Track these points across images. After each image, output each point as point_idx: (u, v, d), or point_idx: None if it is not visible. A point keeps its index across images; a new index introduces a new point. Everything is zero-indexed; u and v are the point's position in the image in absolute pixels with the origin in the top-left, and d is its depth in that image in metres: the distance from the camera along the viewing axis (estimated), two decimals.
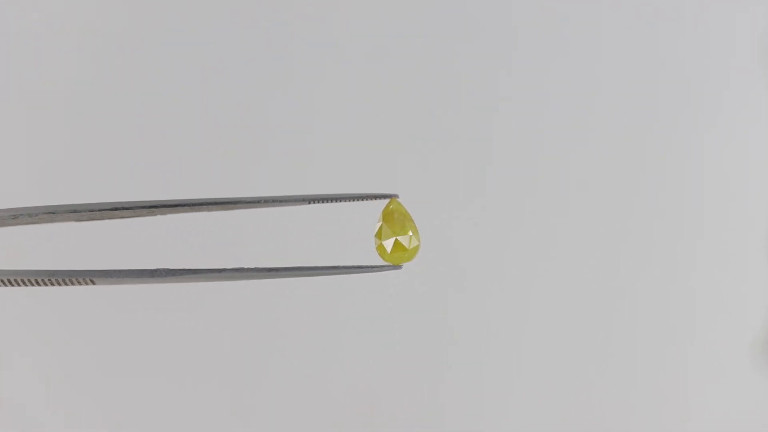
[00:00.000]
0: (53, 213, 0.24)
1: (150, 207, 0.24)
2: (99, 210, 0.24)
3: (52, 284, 0.24)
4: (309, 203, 0.25)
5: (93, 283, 0.24)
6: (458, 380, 0.56)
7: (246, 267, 0.25)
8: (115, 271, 0.24)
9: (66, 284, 0.24)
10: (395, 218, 0.25)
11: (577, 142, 0.56)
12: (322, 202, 0.25)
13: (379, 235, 0.25)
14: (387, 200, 0.25)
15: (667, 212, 0.57)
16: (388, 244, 0.25)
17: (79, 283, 0.24)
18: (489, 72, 0.56)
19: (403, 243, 0.25)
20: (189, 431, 0.53)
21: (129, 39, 0.53)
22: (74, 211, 0.24)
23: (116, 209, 0.24)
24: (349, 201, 0.25)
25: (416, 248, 0.25)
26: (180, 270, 0.24)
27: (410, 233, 0.25)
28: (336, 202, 0.25)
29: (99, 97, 0.52)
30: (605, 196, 0.57)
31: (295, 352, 0.54)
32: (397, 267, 0.25)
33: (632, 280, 0.57)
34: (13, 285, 0.24)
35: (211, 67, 0.53)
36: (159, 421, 0.53)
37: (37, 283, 0.24)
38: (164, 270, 0.24)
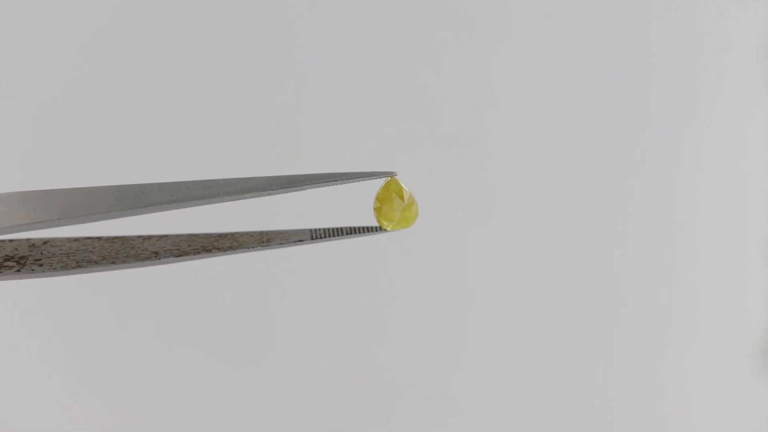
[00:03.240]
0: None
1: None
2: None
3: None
4: (307, 186, 0.25)
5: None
6: (463, 378, 0.56)
7: (253, 231, 0.25)
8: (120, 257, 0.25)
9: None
10: (393, 199, 0.25)
11: (576, 147, 0.55)
12: (322, 184, 0.25)
13: (378, 212, 0.25)
14: (386, 179, 0.25)
15: (666, 215, 0.56)
16: (389, 223, 0.25)
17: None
18: (486, 66, 0.54)
19: (402, 222, 0.25)
20: (196, 426, 0.54)
21: (129, 39, 0.52)
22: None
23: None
24: (348, 181, 0.25)
25: (415, 216, 0.25)
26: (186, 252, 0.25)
27: (406, 212, 0.25)
28: (335, 182, 0.25)
29: (97, 97, 0.52)
30: (605, 199, 0.56)
31: (297, 352, 0.55)
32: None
33: (632, 283, 0.57)
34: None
35: (208, 54, 0.53)
36: (163, 416, 0.54)
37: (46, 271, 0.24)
38: (167, 253, 0.25)
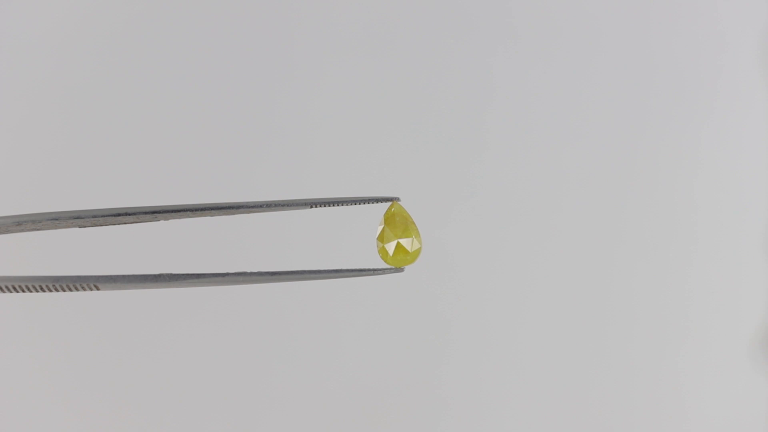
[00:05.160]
0: (57, 219, 0.24)
1: (152, 212, 0.24)
2: (102, 216, 0.24)
3: (57, 290, 0.24)
4: (311, 207, 0.25)
5: (97, 288, 0.24)
6: (458, 380, 0.56)
7: (248, 271, 0.25)
8: (119, 276, 0.24)
9: (70, 290, 0.24)
10: (397, 221, 0.25)
11: (572, 143, 0.57)
12: (325, 206, 0.25)
13: (381, 238, 0.25)
14: (389, 203, 0.25)
15: (664, 212, 0.57)
16: (390, 247, 0.25)
17: (84, 289, 0.24)
18: (486, 73, 0.56)
19: (405, 246, 0.25)
20: (195, 428, 0.54)
21: (129, 41, 0.53)
22: (78, 218, 0.24)
23: (119, 215, 0.24)
24: (352, 204, 0.25)
25: (418, 251, 0.25)
26: (183, 275, 0.24)
27: (412, 236, 0.25)
28: (338, 205, 0.25)
29: (99, 99, 0.53)
30: (602, 195, 0.57)
31: (297, 354, 0.54)
32: (399, 270, 0.25)
33: (630, 280, 0.57)
34: (17, 291, 0.24)
35: (212, 70, 0.54)
36: (162, 422, 0.53)
37: (42, 289, 0.24)
38: (167, 275, 0.24)
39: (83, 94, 0.53)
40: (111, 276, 0.24)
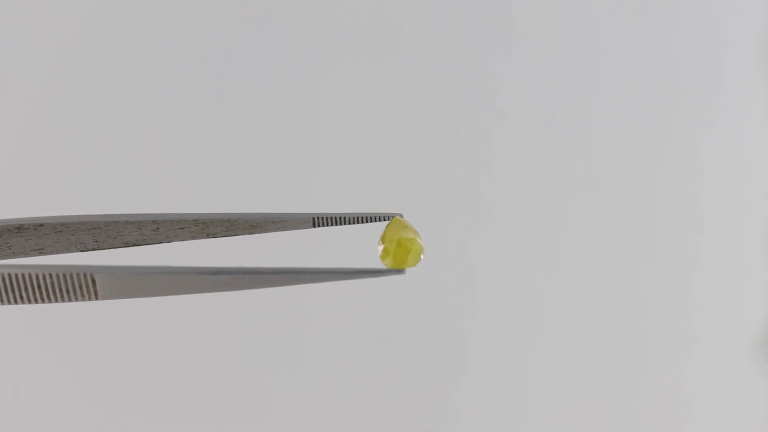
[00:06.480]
0: (60, 225, 0.24)
1: (154, 221, 0.25)
2: (104, 222, 0.25)
3: (54, 296, 0.24)
4: (313, 224, 0.25)
5: (96, 296, 0.24)
6: (469, 386, 0.56)
7: (248, 267, 0.24)
8: (117, 267, 0.24)
9: (69, 297, 0.24)
10: (399, 226, 0.25)
11: (576, 146, 0.57)
12: (327, 224, 0.25)
13: (382, 239, 0.25)
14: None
15: (667, 213, 0.57)
16: (392, 245, 0.24)
17: (82, 292, 0.24)
18: (489, 83, 0.57)
19: (406, 243, 0.24)
20: (201, 427, 0.53)
21: (132, 43, 0.54)
22: (81, 222, 0.25)
23: (119, 222, 0.25)
24: (354, 223, 0.25)
25: (420, 251, 0.24)
26: (182, 267, 0.24)
27: (414, 237, 0.25)
28: (341, 223, 0.25)
29: (100, 105, 0.53)
30: (606, 197, 0.57)
31: (304, 358, 0.54)
32: (400, 271, 0.24)
33: (633, 281, 0.57)
34: (14, 298, 0.23)
35: (215, 79, 0.54)
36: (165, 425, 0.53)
37: (38, 294, 0.23)
38: (166, 267, 0.24)
39: (85, 98, 0.52)
40: (109, 267, 0.24)
